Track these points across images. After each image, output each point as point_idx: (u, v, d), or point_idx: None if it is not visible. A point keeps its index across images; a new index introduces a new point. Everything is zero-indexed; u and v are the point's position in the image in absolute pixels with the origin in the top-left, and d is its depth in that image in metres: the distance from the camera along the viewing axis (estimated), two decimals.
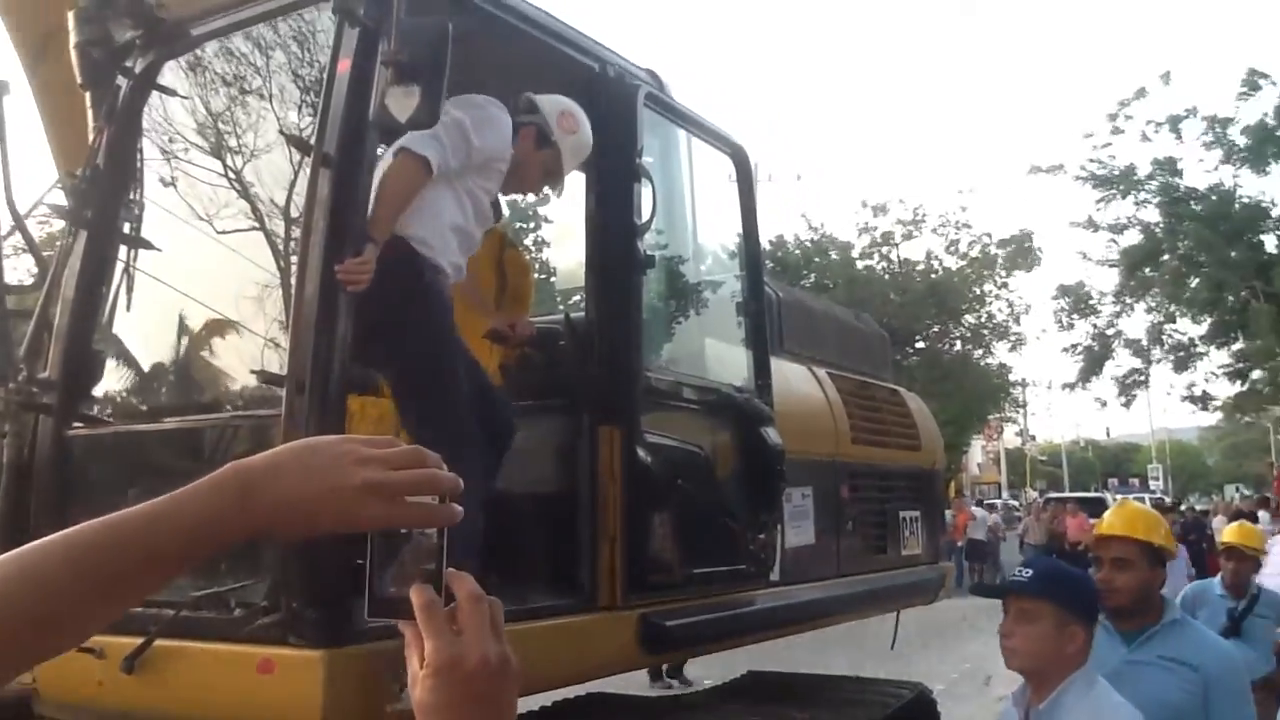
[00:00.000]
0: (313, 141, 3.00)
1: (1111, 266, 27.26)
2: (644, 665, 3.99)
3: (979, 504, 33.38)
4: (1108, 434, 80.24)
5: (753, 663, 5.77)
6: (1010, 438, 62.94)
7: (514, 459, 3.72)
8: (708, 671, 8.33)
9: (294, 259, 3.05)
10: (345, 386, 2.98)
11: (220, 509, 0.94)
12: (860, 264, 31.08)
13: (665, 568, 3.88)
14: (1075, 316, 28.03)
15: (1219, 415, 31.82)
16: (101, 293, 3.65)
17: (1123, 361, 28.16)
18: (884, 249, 31.03)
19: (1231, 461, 67.07)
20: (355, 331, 2.89)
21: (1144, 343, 27.91)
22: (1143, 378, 28.80)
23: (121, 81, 3.64)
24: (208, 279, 3.61)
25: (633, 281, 3.84)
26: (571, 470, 3.76)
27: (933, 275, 31.00)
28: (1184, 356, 27.38)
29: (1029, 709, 2.73)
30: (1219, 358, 27.03)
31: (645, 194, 3.93)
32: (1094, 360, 28.04)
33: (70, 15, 3.58)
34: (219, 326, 3.65)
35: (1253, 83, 24.72)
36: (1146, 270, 26.95)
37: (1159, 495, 41.15)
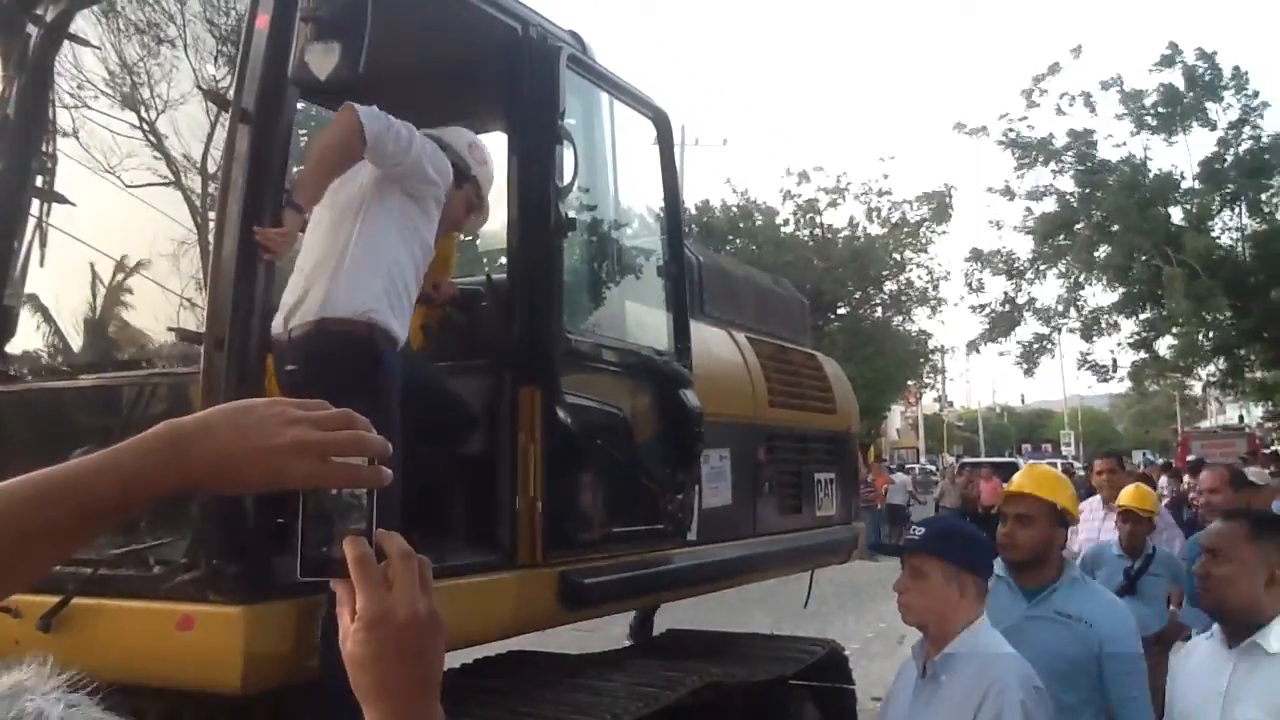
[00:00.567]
0: (231, 97, 2.98)
1: (1027, 234, 27.77)
2: (564, 622, 4.05)
3: (901, 468, 34.06)
4: (1023, 401, 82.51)
5: (675, 624, 5.89)
6: (929, 404, 64.20)
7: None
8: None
9: (212, 215, 3.03)
10: (264, 345, 2.98)
11: (153, 464, 0.97)
12: (785, 230, 31.29)
13: (585, 526, 3.95)
14: (986, 272, 28.42)
15: (1128, 384, 32.67)
16: (13, 247, 3.58)
17: (1032, 328, 28.71)
18: (809, 215, 31.28)
19: (1140, 428, 69.16)
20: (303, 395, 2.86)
21: (1053, 309, 28.45)
22: (1051, 345, 29.42)
23: (32, 30, 3.56)
24: (123, 234, 3.56)
25: (554, 244, 3.86)
26: (493, 430, 3.79)
27: (855, 242, 31.35)
28: (1091, 325, 27.98)
29: (926, 660, 2.85)
30: (1128, 327, 27.75)
31: (567, 157, 3.95)
32: (1000, 323, 28.50)
33: None
34: (136, 283, 3.60)
35: (1170, 59, 25.25)
36: (1061, 239, 27.47)
37: (1069, 460, 42.38)
